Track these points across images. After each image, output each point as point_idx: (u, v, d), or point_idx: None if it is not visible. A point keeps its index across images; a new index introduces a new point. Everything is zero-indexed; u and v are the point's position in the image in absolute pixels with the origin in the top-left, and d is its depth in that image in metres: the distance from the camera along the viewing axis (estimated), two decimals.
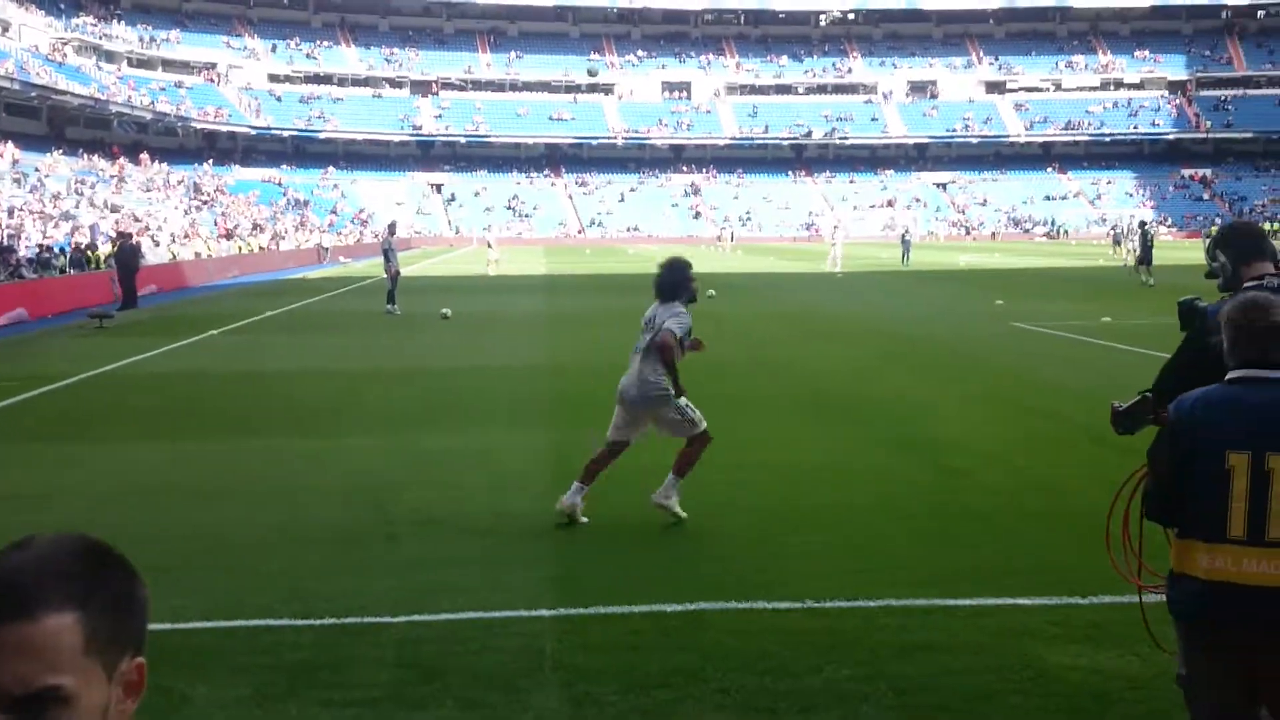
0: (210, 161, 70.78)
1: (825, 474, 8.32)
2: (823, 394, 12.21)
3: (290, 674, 4.69)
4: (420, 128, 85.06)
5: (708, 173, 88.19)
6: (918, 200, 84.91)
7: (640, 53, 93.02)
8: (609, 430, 7.12)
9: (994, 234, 78.44)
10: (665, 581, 5.81)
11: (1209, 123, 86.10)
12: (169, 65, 76.66)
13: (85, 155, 55.24)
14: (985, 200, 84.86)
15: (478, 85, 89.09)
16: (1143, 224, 32.71)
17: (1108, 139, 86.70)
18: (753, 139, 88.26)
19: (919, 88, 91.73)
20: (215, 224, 51.90)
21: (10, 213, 35.65)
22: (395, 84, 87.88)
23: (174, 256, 39.06)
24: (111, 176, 52.22)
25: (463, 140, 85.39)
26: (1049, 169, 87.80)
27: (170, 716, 4.34)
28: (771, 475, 8.26)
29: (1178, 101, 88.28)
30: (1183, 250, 51.92)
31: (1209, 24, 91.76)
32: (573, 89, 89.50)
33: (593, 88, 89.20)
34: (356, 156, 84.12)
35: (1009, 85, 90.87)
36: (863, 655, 4.83)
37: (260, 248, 49.51)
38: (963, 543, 6.52)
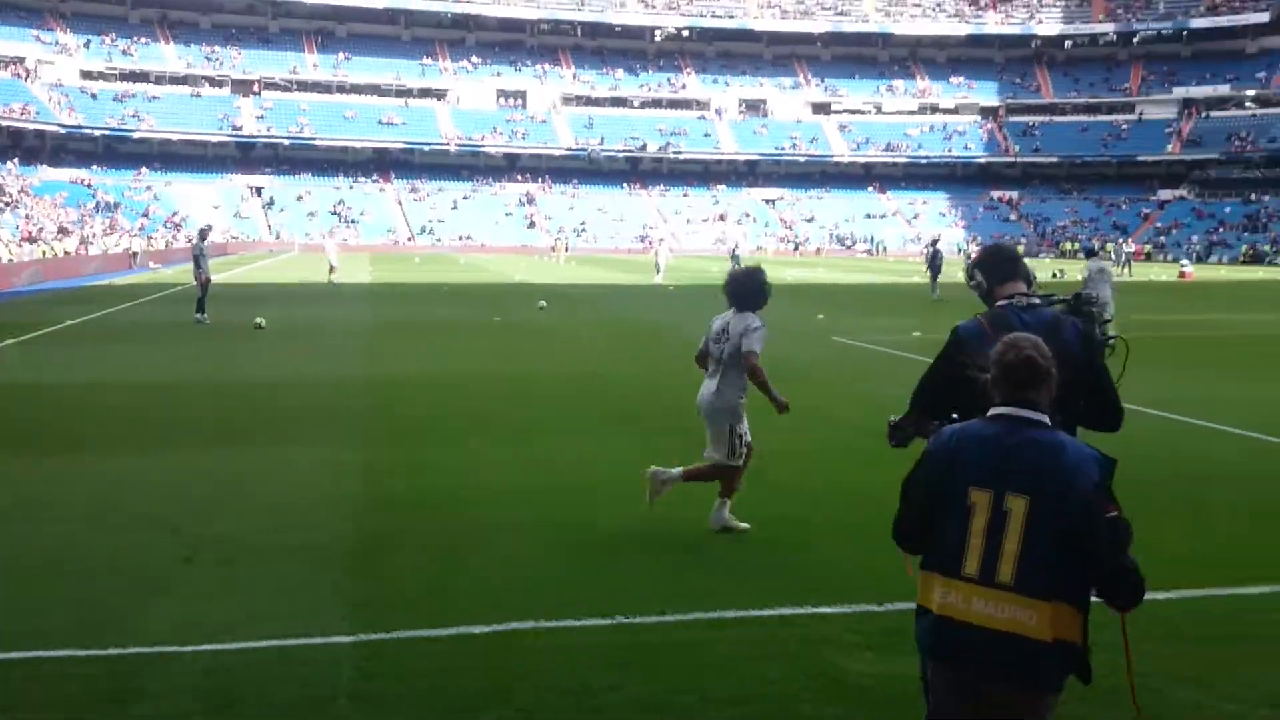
0: (15, 161, 66.88)
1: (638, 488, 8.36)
2: (638, 406, 12.30)
3: (73, 707, 4.44)
4: (240, 128, 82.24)
5: (543, 183, 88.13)
6: (748, 215, 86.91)
7: (475, 59, 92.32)
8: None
9: (819, 250, 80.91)
10: (473, 602, 5.73)
11: (1017, 147, 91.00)
12: None
13: None
14: (812, 217, 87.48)
15: (303, 86, 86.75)
16: (933, 243, 34.58)
17: (924, 161, 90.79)
18: (588, 150, 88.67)
19: (750, 106, 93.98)
20: (18, 227, 48.92)
21: None
22: (215, 83, 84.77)
23: None
24: None
25: (286, 142, 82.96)
26: (870, 188, 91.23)
27: None
28: (579, 491, 8.27)
29: (989, 126, 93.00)
30: None
31: (1019, 53, 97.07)
32: (404, 93, 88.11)
33: (425, 92, 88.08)
34: (172, 157, 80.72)
35: (834, 107, 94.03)
36: (667, 669, 4.88)
37: (66, 252, 46.92)
38: (773, 552, 6.66)
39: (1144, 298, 33.98)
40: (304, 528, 7.15)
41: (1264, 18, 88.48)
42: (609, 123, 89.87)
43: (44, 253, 44.80)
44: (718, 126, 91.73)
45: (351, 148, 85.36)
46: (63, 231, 52.58)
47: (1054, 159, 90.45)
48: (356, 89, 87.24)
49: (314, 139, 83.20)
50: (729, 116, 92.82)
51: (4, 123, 70.38)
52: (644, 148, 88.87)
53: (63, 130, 74.96)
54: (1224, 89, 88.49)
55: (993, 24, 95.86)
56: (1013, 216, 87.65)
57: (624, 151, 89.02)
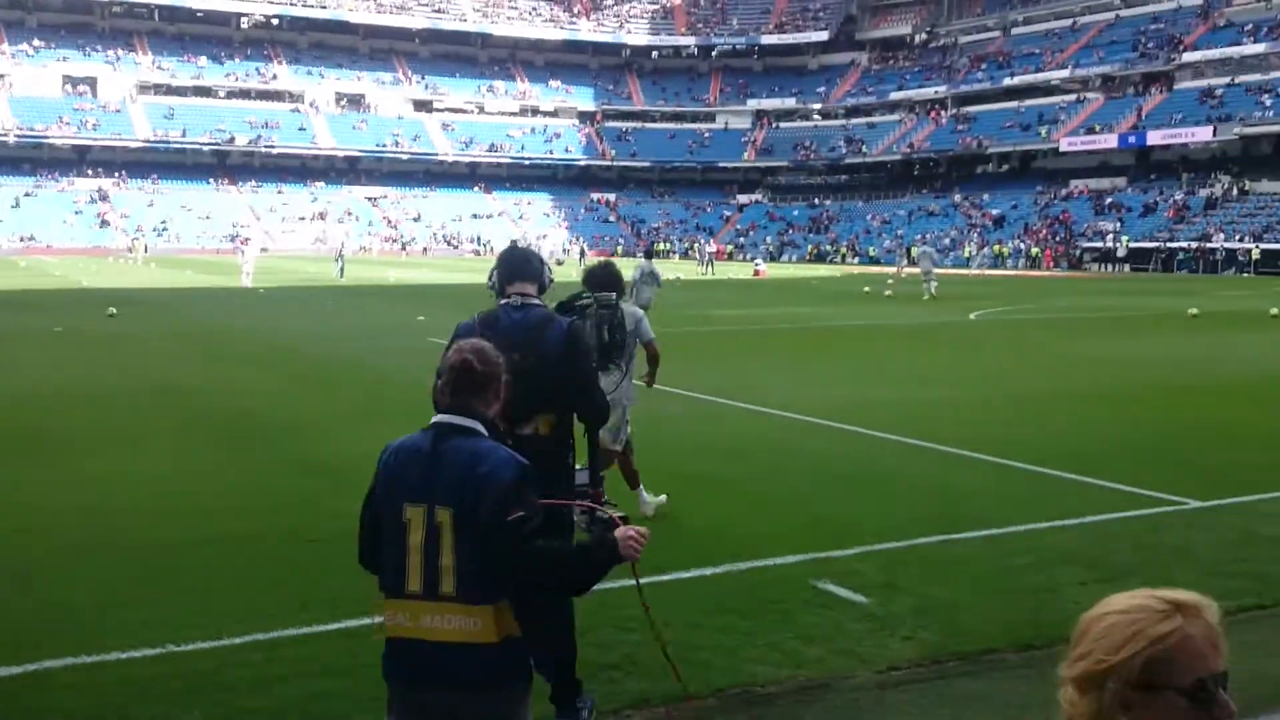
0: None
1: (207, 503, 7.90)
2: (214, 417, 11.64)
3: None
4: None
5: (118, 178, 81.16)
6: (350, 214, 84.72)
7: (37, 42, 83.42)
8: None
9: (425, 249, 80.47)
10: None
11: (614, 151, 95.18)
12: None
13: None
14: (418, 216, 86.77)
15: None
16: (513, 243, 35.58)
17: (527, 163, 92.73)
18: (169, 143, 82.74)
19: (348, 100, 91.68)
20: None
21: None
22: None
23: None
24: None
25: None
26: (476, 188, 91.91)
27: None
28: (146, 513, 7.69)
29: (587, 131, 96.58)
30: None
31: (612, 60, 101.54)
32: None
33: None
34: None
35: (436, 105, 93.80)
36: (218, 696, 4.64)
37: None
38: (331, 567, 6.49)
39: (719, 294, 36.65)
40: None
41: (823, 36, 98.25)
42: (192, 113, 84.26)
43: None
44: (314, 120, 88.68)
45: None
46: None
47: (647, 163, 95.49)
48: None
49: None
50: (326, 110, 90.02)
51: None
52: (232, 140, 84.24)
53: None
54: (790, 102, 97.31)
55: (586, 31, 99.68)
56: (611, 218, 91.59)
57: (210, 144, 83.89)
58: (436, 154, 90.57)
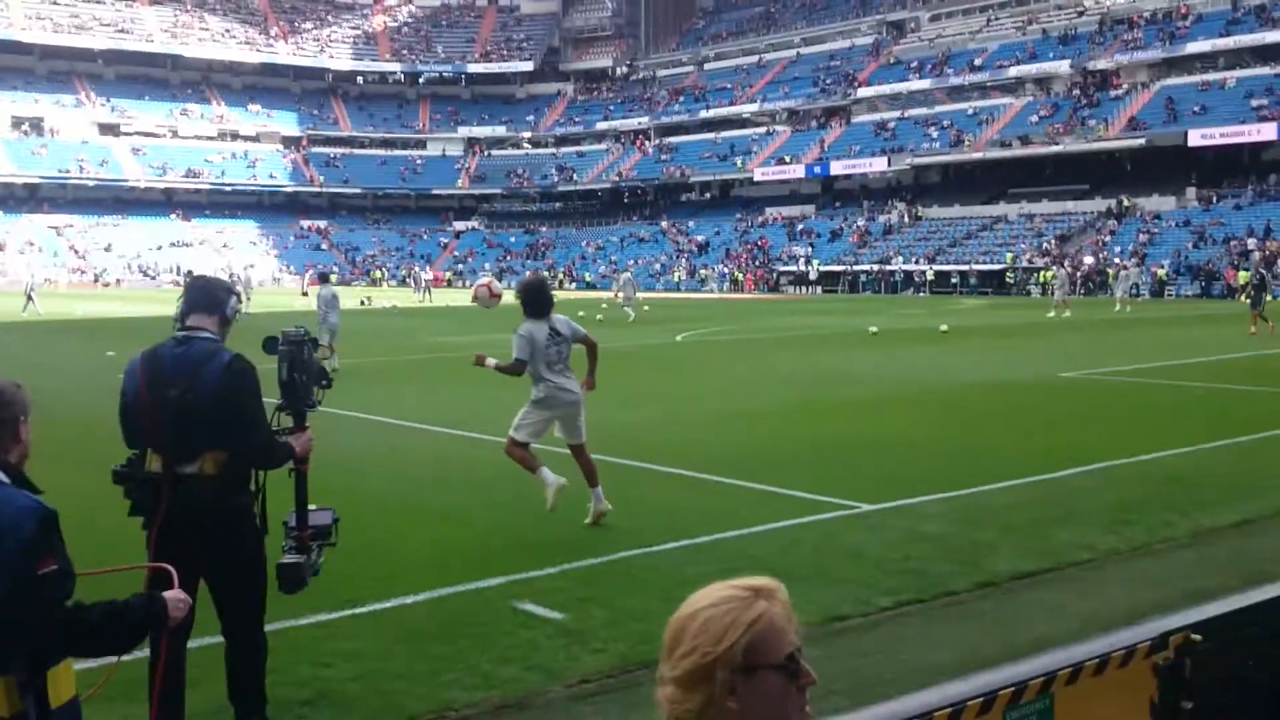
0: None
1: None
2: None
3: None
4: None
5: None
6: (32, 245, 77.96)
7: None
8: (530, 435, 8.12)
9: (118, 280, 75.23)
10: None
11: (323, 178, 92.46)
12: None
13: None
14: (109, 245, 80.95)
15: None
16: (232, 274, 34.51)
17: (229, 189, 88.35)
18: None
19: (25, 124, 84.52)
20: None
21: None
22: None
23: None
24: None
25: None
26: (173, 215, 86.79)
27: None
28: None
29: (293, 156, 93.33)
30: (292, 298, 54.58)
31: (315, 85, 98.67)
32: None
33: None
34: None
35: (124, 128, 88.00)
36: None
37: None
38: None
39: (437, 321, 36.36)
40: None
41: (529, 66, 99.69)
42: None
43: None
44: None
45: None
46: None
47: (359, 190, 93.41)
48: None
49: None
50: (1, 135, 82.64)
51: None
52: None
53: None
54: (501, 130, 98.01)
55: (285, 54, 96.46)
56: (324, 245, 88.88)
57: None
58: (127, 180, 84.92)
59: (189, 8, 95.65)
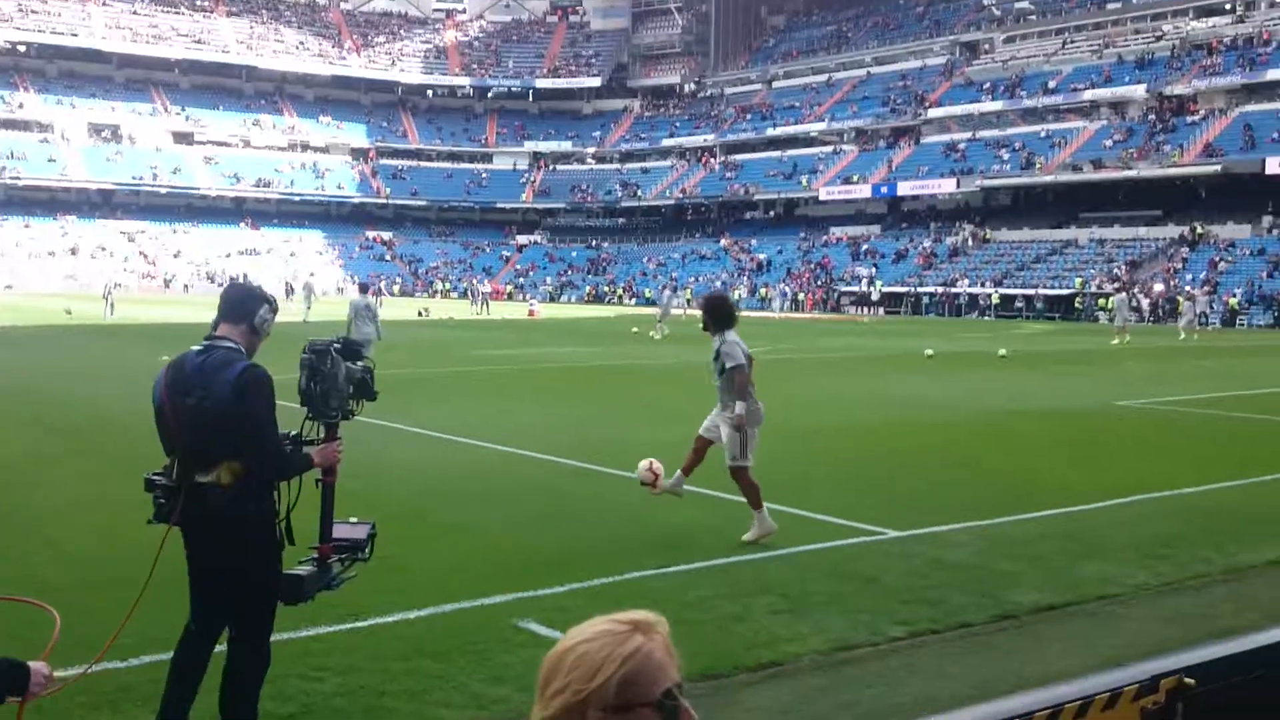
0: None
1: None
2: None
3: None
4: None
5: None
6: (104, 249, 79.97)
7: None
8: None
9: (186, 287, 76.82)
10: None
11: (389, 189, 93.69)
12: None
13: None
14: (178, 252, 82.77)
15: None
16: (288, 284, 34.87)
17: (297, 199, 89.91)
18: None
19: (102, 131, 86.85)
20: None
21: None
22: None
23: None
24: None
25: None
26: (242, 224, 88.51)
27: None
28: None
29: (361, 168, 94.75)
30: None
31: (385, 98, 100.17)
32: None
33: None
34: None
35: (198, 137, 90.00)
36: None
37: None
38: None
39: (490, 334, 36.56)
40: None
41: (596, 82, 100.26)
42: None
43: None
44: (64, 151, 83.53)
45: None
46: None
47: (424, 202, 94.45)
48: None
49: None
50: (77, 141, 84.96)
51: None
52: None
53: None
54: (567, 145, 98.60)
55: (357, 67, 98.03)
56: (388, 257, 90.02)
57: None
58: (199, 188, 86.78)
59: (265, 19, 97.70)
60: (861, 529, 8.58)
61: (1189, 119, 64.26)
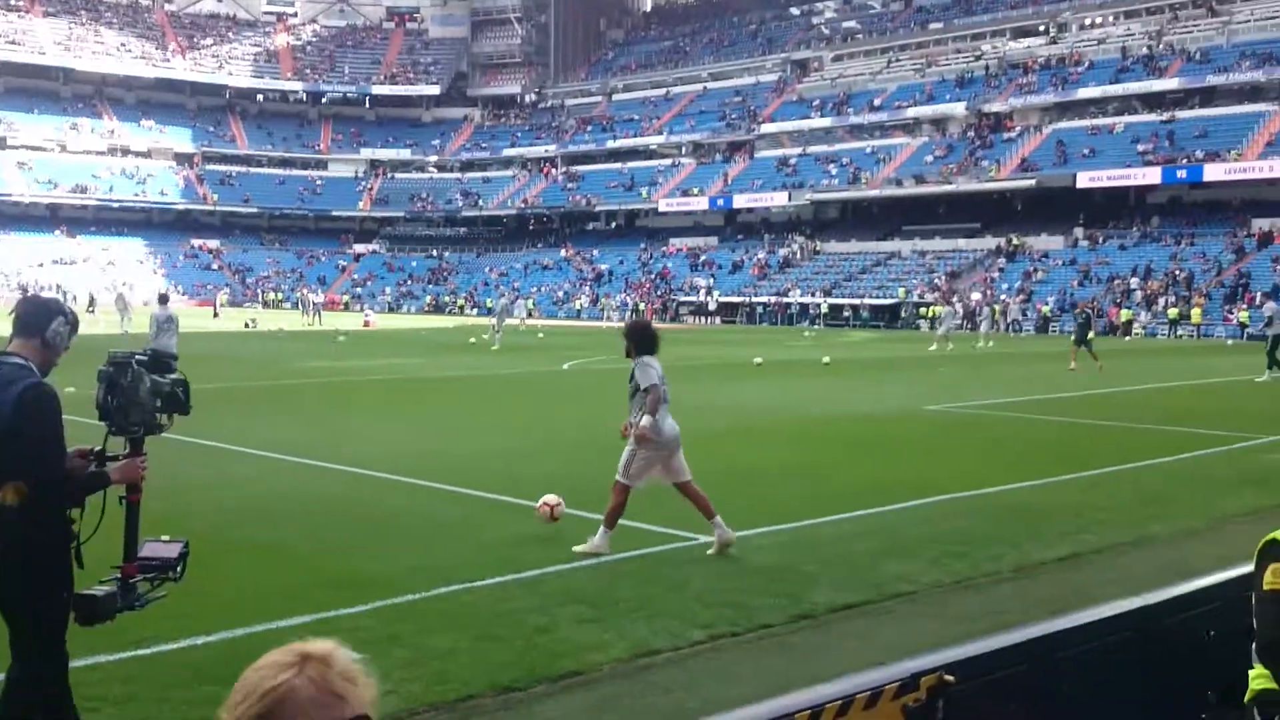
0: None
1: None
2: None
3: None
4: None
5: None
6: None
7: None
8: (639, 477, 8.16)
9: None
10: None
11: (216, 196, 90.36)
12: None
13: None
14: None
15: None
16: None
17: (116, 205, 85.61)
18: None
19: None
20: None
21: None
22: None
23: None
24: None
25: None
26: (57, 231, 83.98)
27: None
28: None
29: (186, 173, 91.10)
30: (192, 318, 53.21)
31: (212, 101, 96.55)
32: None
33: None
34: None
35: (11, 141, 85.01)
36: None
37: None
38: None
39: (320, 345, 35.63)
40: None
41: (436, 90, 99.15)
42: None
43: None
44: None
45: None
46: None
47: (254, 210, 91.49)
48: None
49: None
50: None
51: None
52: None
53: None
54: (405, 153, 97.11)
55: (182, 70, 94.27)
56: (215, 265, 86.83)
57: None
58: (10, 194, 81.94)
59: (84, 20, 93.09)
60: (674, 535, 8.67)
61: (1006, 135, 67.62)
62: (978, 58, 74.28)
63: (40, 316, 4.34)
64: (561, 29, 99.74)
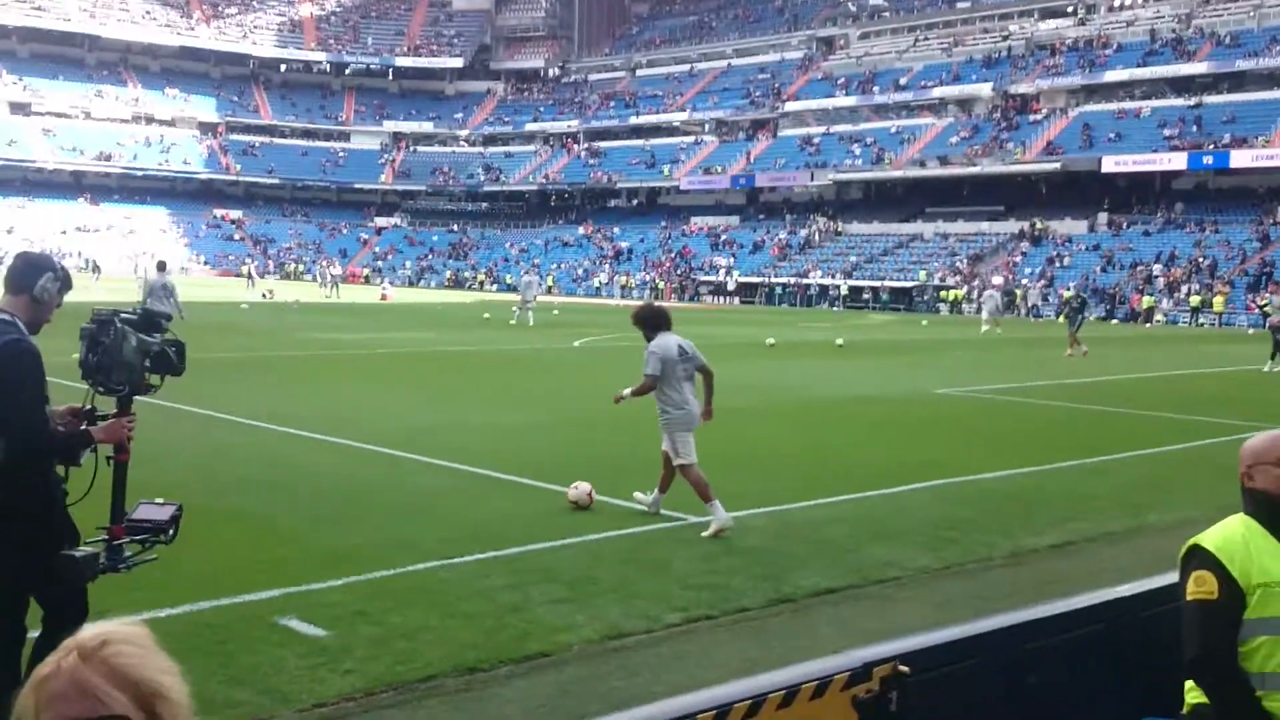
0: None
1: None
2: None
3: None
4: None
5: None
6: None
7: None
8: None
9: None
10: None
11: (239, 166, 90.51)
12: None
13: None
14: (12, 228, 78.33)
15: None
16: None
17: (140, 173, 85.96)
18: None
19: None
20: None
21: None
22: None
23: None
24: None
25: None
26: (81, 199, 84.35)
27: None
28: None
29: (210, 143, 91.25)
30: (212, 288, 53.55)
31: (236, 71, 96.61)
32: None
33: None
34: None
35: (36, 108, 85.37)
36: None
37: None
38: None
39: (335, 318, 35.59)
40: None
41: (459, 63, 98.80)
42: None
43: None
44: None
45: None
46: None
47: (277, 180, 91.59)
48: None
49: None
50: None
51: None
52: None
53: None
54: (428, 126, 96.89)
55: (206, 38, 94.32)
56: (237, 236, 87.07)
57: None
58: (35, 160, 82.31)
59: None
60: (667, 515, 8.52)
61: (1032, 117, 66.81)
62: (1005, 38, 73.38)
63: (29, 273, 4.28)
64: (586, 2, 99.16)
